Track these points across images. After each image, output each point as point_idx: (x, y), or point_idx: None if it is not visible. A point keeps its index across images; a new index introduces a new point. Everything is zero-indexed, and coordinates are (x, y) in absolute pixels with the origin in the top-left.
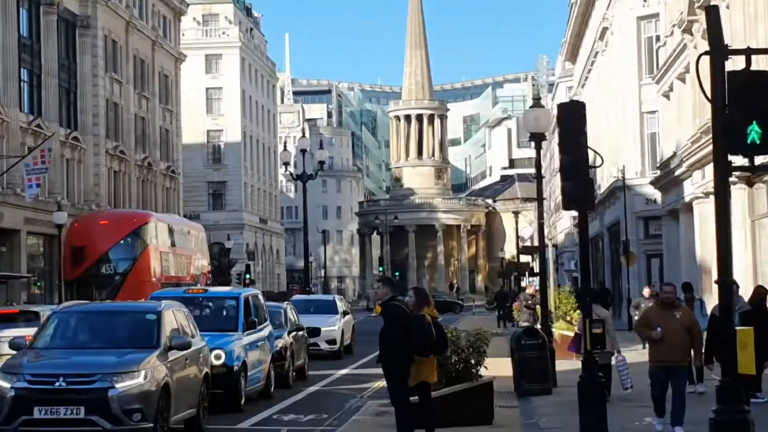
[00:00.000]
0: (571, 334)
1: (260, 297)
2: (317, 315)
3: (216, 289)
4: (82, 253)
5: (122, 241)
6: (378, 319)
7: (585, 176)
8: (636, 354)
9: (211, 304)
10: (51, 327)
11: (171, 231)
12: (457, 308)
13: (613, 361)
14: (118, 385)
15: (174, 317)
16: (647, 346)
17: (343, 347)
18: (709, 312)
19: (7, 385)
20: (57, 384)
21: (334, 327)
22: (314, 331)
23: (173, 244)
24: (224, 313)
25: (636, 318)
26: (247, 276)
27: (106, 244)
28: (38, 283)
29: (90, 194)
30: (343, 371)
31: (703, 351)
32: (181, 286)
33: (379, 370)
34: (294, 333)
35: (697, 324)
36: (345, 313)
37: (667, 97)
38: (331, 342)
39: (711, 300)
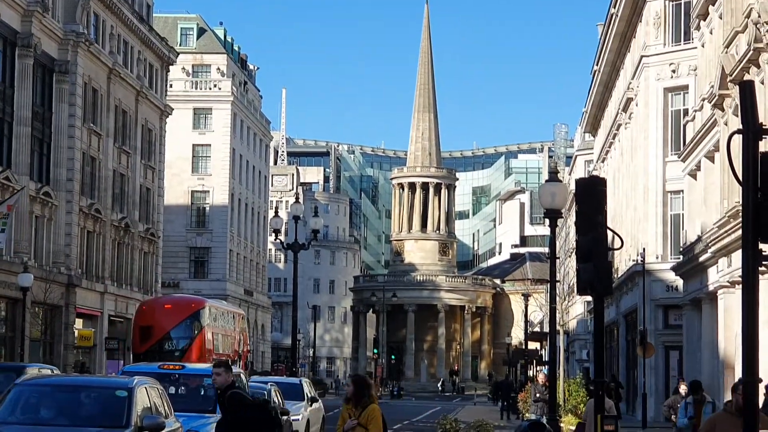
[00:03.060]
0: None
1: (242, 376)
2: None
3: (194, 365)
4: (149, 331)
5: (183, 323)
6: None
7: (603, 259)
8: None
9: (188, 381)
10: (11, 399)
11: (221, 314)
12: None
13: None
14: None
15: (147, 395)
16: None
17: None
18: None
19: None
20: None
21: (297, 416)
22: None
23: (222, 326)
24: (202, 393)
25: (675, 419)
26: None
27: (170, 324)
28: None
29: (60, 256)
30: None
31: None
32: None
33: None
34: None
35: None
36: (313, 400)
37: (694, 176)
38: None
39: None
